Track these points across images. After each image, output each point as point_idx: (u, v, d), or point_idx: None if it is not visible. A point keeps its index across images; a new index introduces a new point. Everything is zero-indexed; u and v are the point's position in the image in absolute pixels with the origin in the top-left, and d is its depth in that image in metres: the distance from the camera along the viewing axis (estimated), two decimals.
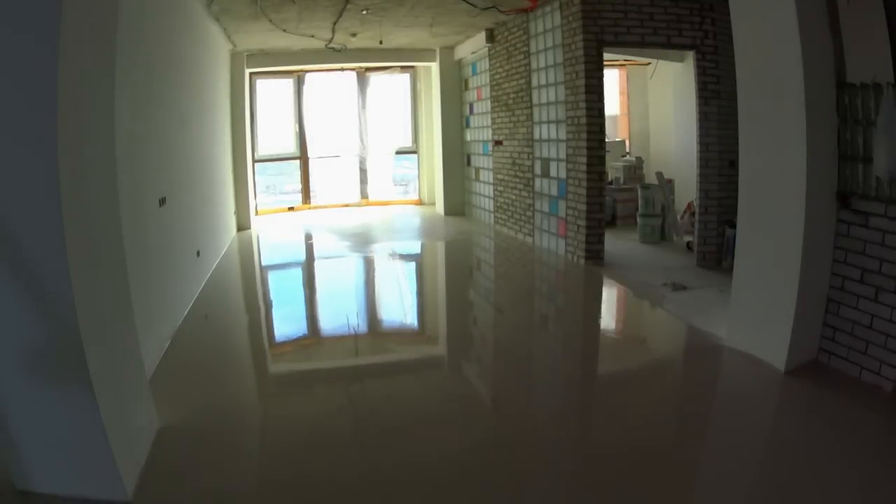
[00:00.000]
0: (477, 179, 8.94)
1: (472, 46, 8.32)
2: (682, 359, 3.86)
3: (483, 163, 8.61)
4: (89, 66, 2.27)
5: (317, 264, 6.49)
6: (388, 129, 10.59)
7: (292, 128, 10.24)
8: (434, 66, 9.57)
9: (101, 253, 2.40)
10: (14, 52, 1.92)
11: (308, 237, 7.12)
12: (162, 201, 4.06)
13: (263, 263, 6.68)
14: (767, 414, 2.98)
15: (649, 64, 8.68)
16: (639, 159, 8.28)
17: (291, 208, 10.37)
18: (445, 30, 7.83)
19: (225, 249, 7.12)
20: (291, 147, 10.28)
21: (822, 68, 3.06)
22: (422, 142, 10.62)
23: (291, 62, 9.05)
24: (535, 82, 6.71)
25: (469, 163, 9.28)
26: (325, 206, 10.46)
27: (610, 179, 7.98)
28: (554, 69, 6.22)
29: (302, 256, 6.92)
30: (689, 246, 6.30)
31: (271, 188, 12.25)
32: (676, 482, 2.37)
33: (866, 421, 2.77)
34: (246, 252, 7.20)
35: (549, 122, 6.44)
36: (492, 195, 8.34)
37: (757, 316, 3.46)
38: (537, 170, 6.81)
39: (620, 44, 5.76)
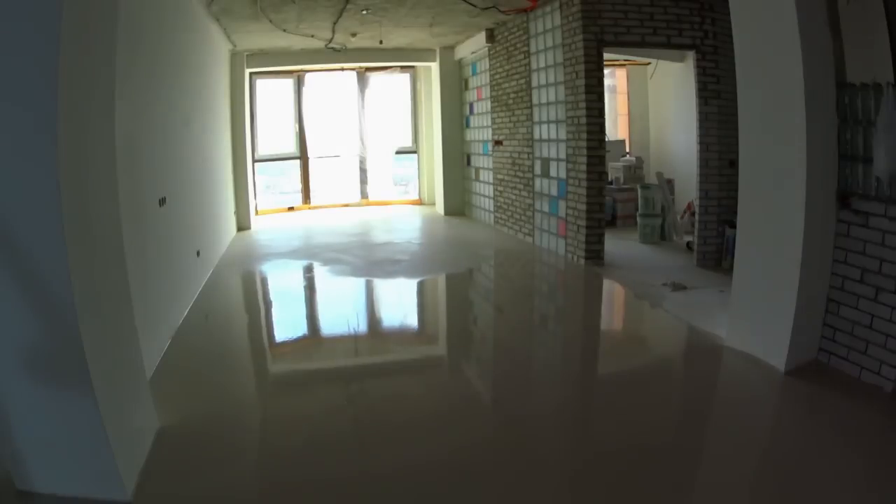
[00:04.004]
0: (477, 179, 8.94)
1: (472, 46, 8.32)
2: (682, 359, 3.86)
3: (483, 163, 8.61)
4: (89, 66, 2.27)
5: (317, 264, 6.49)
6: (388, 129, 10.59)
7: (292, 128, 10.24)
8: (434, 66, 9.57)
9: (101, 253, 2.40)
10: (14, 52, 1.92)
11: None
12: (162, 201, 4.06)
13: (263, 263, 6.68)
14: (767, 414, 2.98)
15: (649, 64, 8.68)
16: (639, 159, 8.28)
17: (291, 208, 10.37)
18: (445, 30, 7.82)
19: (225, 249, 7.12)
20: (291, 147, 10.28)
21: (822, 68, 3.06)
22: (422, 142, 10.62)
23: (291, 62, 9.05)
24: (535, 82, 6.71)
25: (469, 163, 9.28)
26: (325, 206, 10.46)
27: (610, 179, 7.98)
28: (554, 69, 6.22)
29: (302, 256, 6.91)
30: (689, 246, 6.30)
31: (271, 188, 12.25)
32: (677, 482, 2.37)
33: (866, 421, 2.77)
34: (246, 252, 7.20)
35: (549, 122, 6.44)
36: (492, 195, 8.34)
37: (757, 316, 3.46)
38: (537, 170, 6.81)
39: (620, 44, 5.76)
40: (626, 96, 9.35)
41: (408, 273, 5.98)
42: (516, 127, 7.30)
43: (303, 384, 3.61)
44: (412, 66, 10.35)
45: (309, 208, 10.39)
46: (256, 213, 9.37)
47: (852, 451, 2.53)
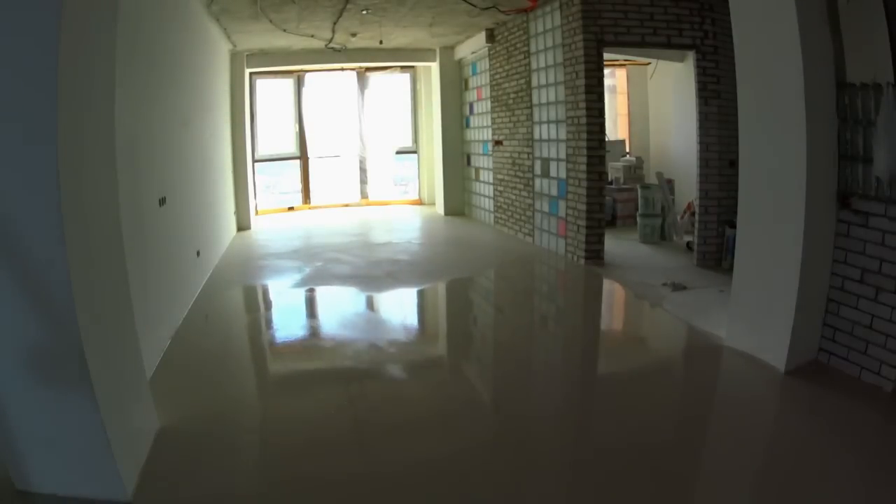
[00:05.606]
0: (477, 179, 8.94)
1: (472, 46, 8.32)
2: (682, 359, 3.86)
3: (483, 163, 8.61)
4: (89, 66, 2.27)
5: (317, 264, 6.49)
6: (388, 129, 10.59)
7: (292, 128, 10.24)
8: (434, 66, 9.57)
9: (101, 253, 2.40)
10: (14, 52, 1.92)
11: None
12: (162, 201, 4.06)
13: (263, 263, 6.68)
14: (768, 414, 2.98)
15: (649, 64, 8.68)
16: (639, 159, 8.28)
17: (291, 208, 10.38)
18: (445, 30, 7.82)
19: (225, 249, 7.12)
20: (291, 147, 10.28)
21: (822, 68, 3.06)
22: (422, 142, 10.62)
23: (291, 62, 9.06)
24: (535, 82, 6.71)
25: (469, 163, 9.28)
26: (325, 206, 10.47)
27: (610, 179, 7.99)
28: (554, 69, 6.22)
29: (302, 255, 6.91)
30: (689, 246, 6.30)
31: (271, 188, 12.26)
32: (677, 482, 2.37)
33: (866, 421, 2.77)
34: (246, 252, 7.20)
35: (549, 122, 6.44)
36: (492, 195, 8.34)
37: (757, 316, 3.46)
38: (537, 170, 6.81)
39: (620, 44, 5.76)
40: (626, 96, 9.35)
41: (408, 273, 5.97)
42: (516, 127, 7.30)
43: (303, 384, 3.60)
44: (412, 66, 10.35)
45: (309, 208, 10.39)
46: (256, 213, 9.37)
47: (852, 451, 2.53)
